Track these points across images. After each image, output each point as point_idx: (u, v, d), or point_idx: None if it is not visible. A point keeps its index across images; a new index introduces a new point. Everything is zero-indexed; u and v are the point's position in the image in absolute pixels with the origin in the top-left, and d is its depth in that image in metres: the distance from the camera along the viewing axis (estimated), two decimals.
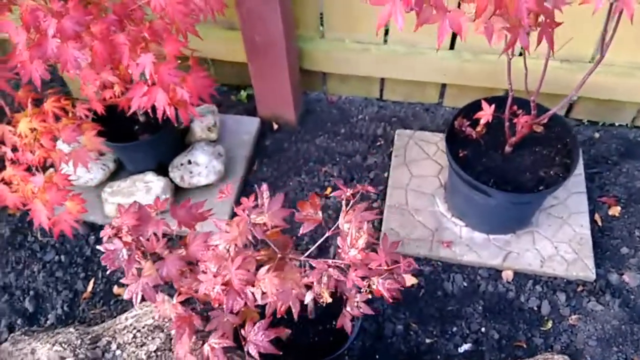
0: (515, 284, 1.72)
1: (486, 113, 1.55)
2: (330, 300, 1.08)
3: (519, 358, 1.59)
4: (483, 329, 1.65)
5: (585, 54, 1.85)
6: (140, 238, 1.07)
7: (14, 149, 1.38)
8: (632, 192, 1.90)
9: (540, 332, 1.64)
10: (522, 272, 1.73)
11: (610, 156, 2.01)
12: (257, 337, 1.11)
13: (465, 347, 1.63)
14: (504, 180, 1.56)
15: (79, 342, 1.44)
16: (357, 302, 1.18)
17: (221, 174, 1.93)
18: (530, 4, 0.83)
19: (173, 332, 1.35)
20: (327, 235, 1.10)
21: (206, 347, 1.11)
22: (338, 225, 1.09)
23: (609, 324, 1.63)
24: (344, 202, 1.07)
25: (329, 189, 1.99)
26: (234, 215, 1.06)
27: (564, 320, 1.65)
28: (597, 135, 2.08)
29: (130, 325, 1.48)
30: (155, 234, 1.07)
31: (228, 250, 1.03)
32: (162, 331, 1.45)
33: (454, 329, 1.66)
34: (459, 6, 0.93)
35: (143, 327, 1.46)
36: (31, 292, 1.82)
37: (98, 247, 1.21)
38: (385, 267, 1.05)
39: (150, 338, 1.44)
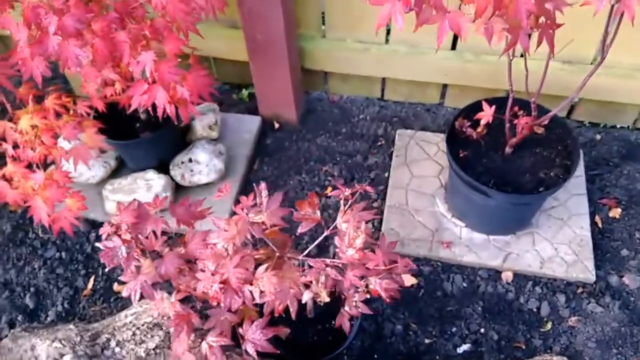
0: (514, 285, 1.72)
1: (486, 114, 1.55)
2: (327, 299, 1.08)
3: (518, 359, 1.59)
4: (482, 330, 1.65)
5: (587, 55, 1.85)
6: (139, 236, 1.07)
7: (15, 146, 1.38)
8: (633, 194, 1.90)
9: (539, 333, 1.64)
10: (521, 273, 1.73)
11: (611, 158, 2.01)
12: (255, 336, 1.11)
13: (465, 347, 1.63)
14: (504, 181, 1.56)
15: (78, 339, 1.44)
16: (356, 301, 1.18)
17: (222, 172, 1.93)
18: (529, 5, 0.83)
19: (172, 329, 1.35)
20: (325, 234, 1.10)
21: (204, 345, 1.11)
22: (336, 225, 1.09)
23: (608, 325, 1.63)
24: (342, 202, 1.07)
25: (330, 189, 1.99)
26: (234, 213, 1.06)
27: (563, 322, 1.65)
28: (598, 137, 2.07)
29: (130, 322, 1.48)
30: (154, 232, 1.08)
31: (226, 249, 1.03)
32: (162, 329, 1.45)
33: (453, 329, 1.66)
34: (461, 7, 0.93)
35: (142, 325, 1.47)
36: (32, 289, 1.83)
37: (97, 244, 1.21)
38: (383, 267, 1.05)
39: (149, 336, 1.44)
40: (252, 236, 1.05)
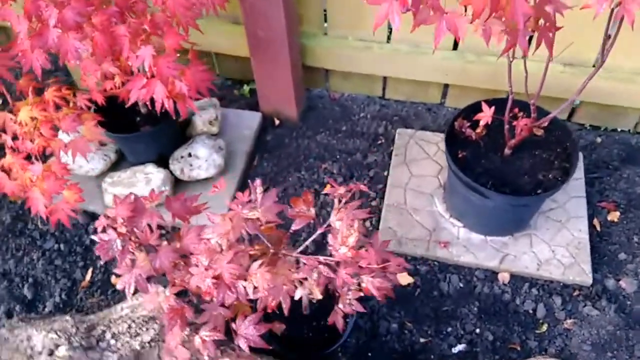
0: (511, 286, 1.72)
1: (486, 115, 1.55)
2: (320, 296, 1.08)
3: None
4: (478, 330, 1.65)
5: (588, 58, 1.84)
6: (135, 229, 1.07)
7: (14, 137, 1.39)
8: (632, 198, 1.90)
9: (535, 335, 1.64)
10: (518, 274, 1.73)
11: (611, 161, 2.00)
12: (248, 331, 1.12)
13: (460, 347, 1.63)
14: (503, 183, 1.56)
15: (74, 330, 1.45)
16: (349, 299, 1.18)
17: (221, 167, 1.93)
18: (526, 8, 0.83)
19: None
20: (318, 232, 1.10)
21: (197, 339, 1.12)
22: (330, 223, 1.09)
23: (604, 329, 1.63)
24: (336, 200, 1.08)
25: (328, 186, 1.99)
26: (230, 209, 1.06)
27: (559, 324, 1.65)
28: (598, 140, 2.07)
29: (125, 315, 1.49)
30: (149, 226, 1.08)
31: (220, 244, 1.03)
32: (157, 322, 1.46)
33: (449, 329, 1.66)
34: (464, 10, 0.93)
35: (138, 318, 1.47)
36: (30, 280, 1.84)
37: (93, 237, 1.22)
38: (376, 266, 1.05)
39: (144, 329, 1.44)
40: (248, 232, 1.05)
